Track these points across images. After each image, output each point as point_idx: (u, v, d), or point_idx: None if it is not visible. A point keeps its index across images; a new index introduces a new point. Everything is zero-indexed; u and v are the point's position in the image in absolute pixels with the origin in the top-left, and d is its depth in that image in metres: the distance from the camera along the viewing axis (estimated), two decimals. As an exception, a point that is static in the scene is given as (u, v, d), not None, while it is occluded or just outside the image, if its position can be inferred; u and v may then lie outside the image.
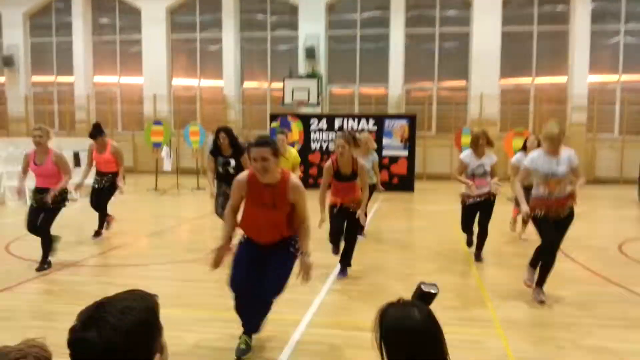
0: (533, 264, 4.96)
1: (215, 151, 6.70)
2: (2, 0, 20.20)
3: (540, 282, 4.84)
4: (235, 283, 3.58)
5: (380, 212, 10.18)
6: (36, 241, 7.11)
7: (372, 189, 7.23)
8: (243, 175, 3.60)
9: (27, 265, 5.91)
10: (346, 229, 5.56)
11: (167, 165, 13.89)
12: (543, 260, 4.82)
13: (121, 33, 19.97)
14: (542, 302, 4.73)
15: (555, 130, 4.67)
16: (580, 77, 16.82)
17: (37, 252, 6.48)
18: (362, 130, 13.22)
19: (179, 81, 19.73)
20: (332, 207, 5.58)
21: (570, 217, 4.87)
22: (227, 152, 6.63)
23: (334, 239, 5.63)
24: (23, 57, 20.34)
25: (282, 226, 3.54)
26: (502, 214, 7.95)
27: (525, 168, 4.91)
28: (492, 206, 6.25)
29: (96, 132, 7.27)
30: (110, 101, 19.71)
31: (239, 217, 3.69)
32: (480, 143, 6.15)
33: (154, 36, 19.27)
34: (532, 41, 17.41)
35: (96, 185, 7.35)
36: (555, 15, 17.30)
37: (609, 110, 17.05)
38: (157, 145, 13.98)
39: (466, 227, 6.54)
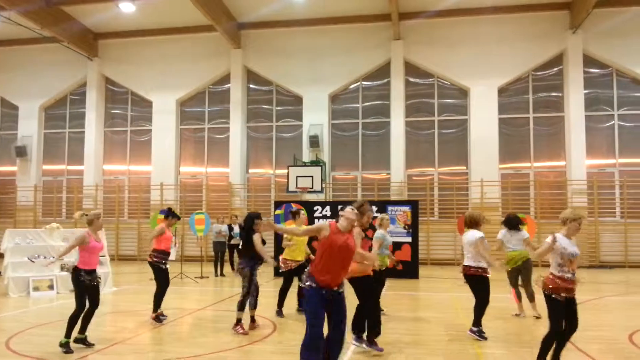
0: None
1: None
2: (20, 95, 21.28)
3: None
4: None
5: (384, 301, 10.05)
6: (38, 336, 7.04)
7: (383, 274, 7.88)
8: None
9: (27, 364, 5.83)
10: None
11: (172, 254, 13.89)
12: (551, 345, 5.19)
13: (132, 124, 20.78)
14: None
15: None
16: (578, 162, 17.19)
17: (38, 348, 6.41)
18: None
19: (187, 169, 20.24)
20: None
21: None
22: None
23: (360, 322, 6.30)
24: (36, 148, 21.05)
25: None
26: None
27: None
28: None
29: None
30: (118, 190, 20.11)
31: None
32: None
33: (164, 126, 20.05)
34: (528, 127, 17.98)
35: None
36: (550, 102, 18.00)
37: (609, 194, 17.26)
38: (163, 234, 14.05)
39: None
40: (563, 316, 5.06)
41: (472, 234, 6.96)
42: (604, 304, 9.85)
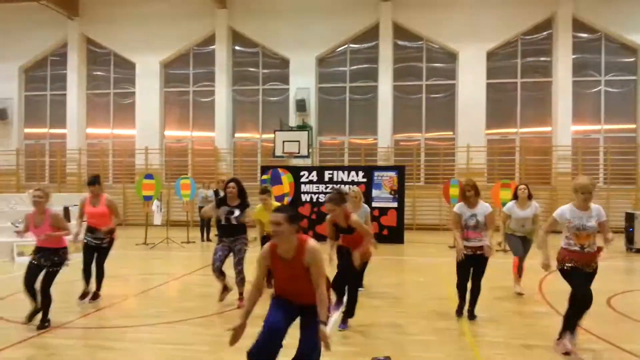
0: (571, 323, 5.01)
1: (222, 201, 6.79)
2: (-2, 55, 20.64)
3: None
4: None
5: (370, 265, 10.16)
6: (24, 302, 7.03)
7: None
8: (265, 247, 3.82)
9: (13, 328, 5.82)
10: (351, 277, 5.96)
11: (158, 219, 13.88)
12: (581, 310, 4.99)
13: (115, 86, 20.33)
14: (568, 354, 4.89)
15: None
16: (564, 128, 17.27)
17: (24, 313, 6.39)
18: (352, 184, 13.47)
19: (171, 133, 19.98)
20: (339, 248, 6.03)
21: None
22: (233, 202, 6.72)
23: (340, 285, 5.88)
24: (17, 110, 20.58)
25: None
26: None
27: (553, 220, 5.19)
28: (486, 262, 6.15)
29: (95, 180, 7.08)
30: (102, 154, 19.84)
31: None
32: (467, 195, 6.14)
33: (148, 89, 19.65)
34: (516, 92, 17.94)
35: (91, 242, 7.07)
36: (538, 67, 17.92)
37: (593, 159, 17.43)
38: (148, 199, 14.00)
39: (460, 283, 6.28)
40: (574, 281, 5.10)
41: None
42: (584, 268, 10.03)
